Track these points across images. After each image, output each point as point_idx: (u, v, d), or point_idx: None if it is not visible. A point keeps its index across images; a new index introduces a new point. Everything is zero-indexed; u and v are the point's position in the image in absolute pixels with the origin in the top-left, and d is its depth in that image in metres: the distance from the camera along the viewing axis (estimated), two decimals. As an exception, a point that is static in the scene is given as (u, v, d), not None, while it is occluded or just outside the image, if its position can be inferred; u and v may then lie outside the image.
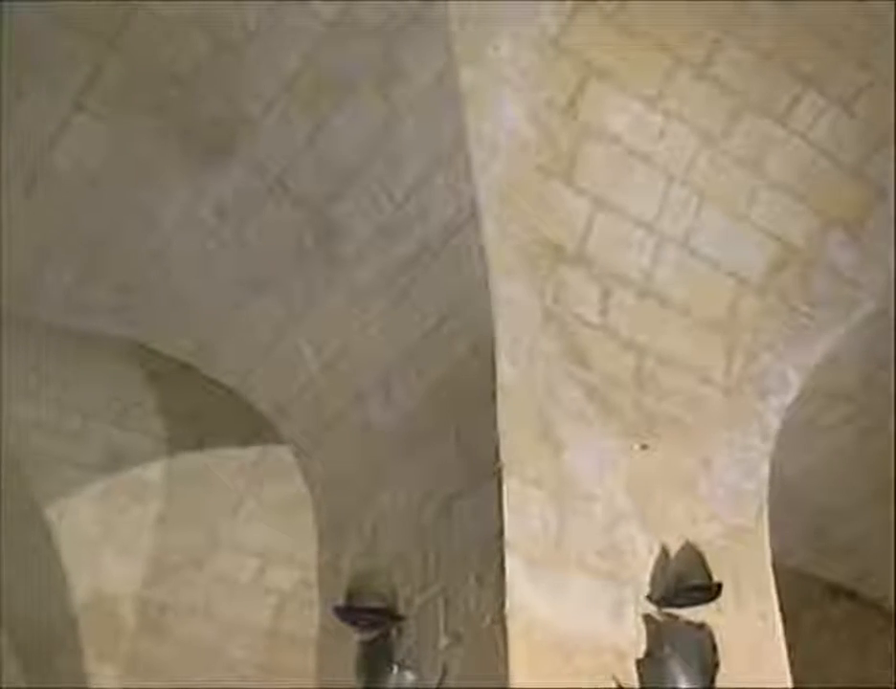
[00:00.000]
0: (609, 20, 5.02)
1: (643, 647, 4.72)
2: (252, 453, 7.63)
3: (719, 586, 4.82)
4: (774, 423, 5.76)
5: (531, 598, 4.56)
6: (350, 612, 5.02)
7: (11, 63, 5.34)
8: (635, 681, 4.63)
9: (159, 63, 5.28)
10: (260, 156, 5.45)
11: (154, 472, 7.68)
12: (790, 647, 5.24)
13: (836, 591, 9.38)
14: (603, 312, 5.29)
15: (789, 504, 7.12)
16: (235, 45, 5.15)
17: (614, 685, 4.57)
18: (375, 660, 4.98)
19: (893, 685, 8.69)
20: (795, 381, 5.85)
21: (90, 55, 5.28)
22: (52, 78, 5.39)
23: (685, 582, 4.81)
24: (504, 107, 5.01)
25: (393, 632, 4.97)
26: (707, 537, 5.15)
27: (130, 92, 5.40)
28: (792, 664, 5.19)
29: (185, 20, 5.11)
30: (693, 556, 4.89)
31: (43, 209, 5.96)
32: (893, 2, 5.23)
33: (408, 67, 4.97)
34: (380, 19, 4.92)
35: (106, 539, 7.71)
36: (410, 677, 4.87)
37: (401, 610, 5.01)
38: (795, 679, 5.18)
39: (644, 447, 5.21)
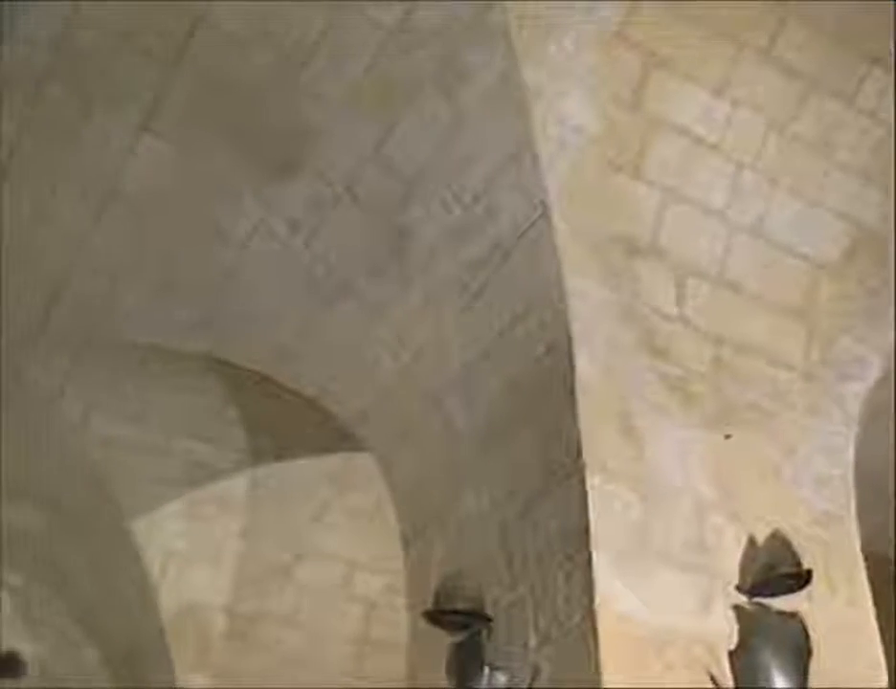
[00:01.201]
0: (669, 10, 5.00)
1: (735, 638, 4.69)
2: (333, 461, 7.66)
3: (809, 573, 4.77)
4: (857, 407, 5.70)
5: (619, 593, 4.55)
6: (439, 616, 5.02)
7: (77, 87, 5.41)
8: (727, 673, 4.60)
9: (223, 79, 5.32)
10: (329, 165, 5.48)
11: (238, 484, 7.74)
12: (882, 633, 5.19)
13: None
14: (679, 303, 5.26)
15: (877, 489, 7.03)
16: (299, 56, 5.18)
17: (706, 678, 4.55)
18: (466, 662, 4.98)
19: None
20: (876, 363, 5.78)
21: (155, 75, 5.34)
22: (118, 101, 5.46)
23: (775, 571, 4.76)
24: (569, 103, 5.00)
25: (483, 633, 4.97)
26: (794, 525, 5.09)
27: (196, 110, 5.45)
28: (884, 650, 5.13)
29: (247, 35, 5.15)
30: (782, 544, 4.84)
31: (115, 230, 6.04)
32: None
33: (471, 69, 4.97)
34: (441, 23, 4.92)
35: (193, 552, 7.78)
36: (501, 677, 4.86)
37: (489, 611, 5.00)
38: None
39: (728, 437, 5.17)
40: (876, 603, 5.27)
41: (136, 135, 5.58)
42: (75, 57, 5.30)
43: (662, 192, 5.25)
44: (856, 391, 5.71)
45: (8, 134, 5.64)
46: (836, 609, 5.04)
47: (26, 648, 9.34)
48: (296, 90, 5.29)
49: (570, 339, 4.90)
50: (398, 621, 6.23)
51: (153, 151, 5.63)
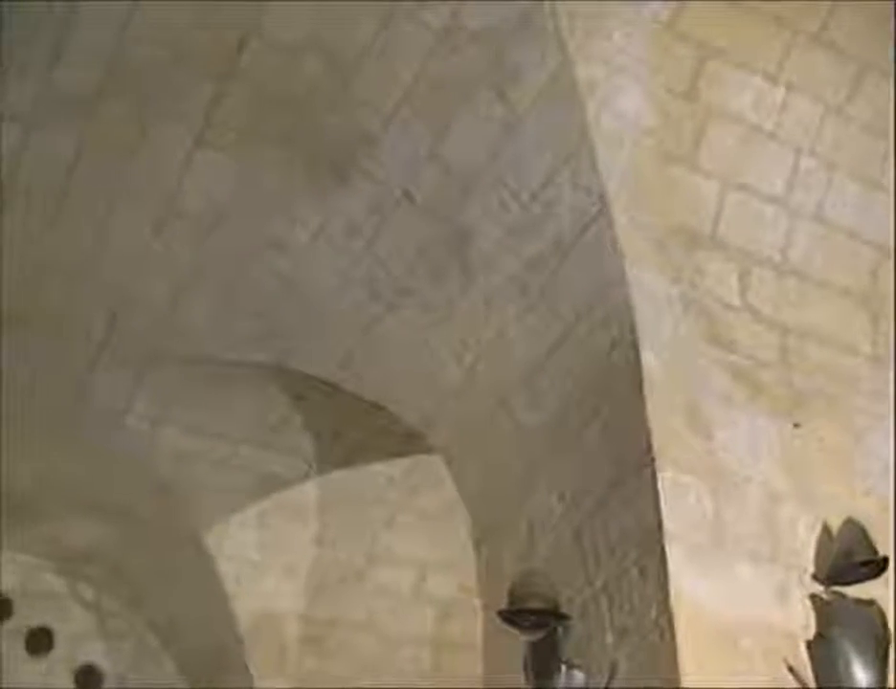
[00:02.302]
0: (719, -1, 4.99)
1: (812, 628, 4.65)
2: (402, 464, 7.69)
3: (885, 560, 4.71)
4: (924, 392, 5.64)
5: (695, 587, 4.52)
6: (514, 615, 5.01)
7: (132, 105, 5.47)
8: (806, 664, 4.56)
9: (276, 89, 5.36)
10: (385, 170, 5.50)
11: (307, 491, 7.78)
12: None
13: None
14: (742, 292, 5.22)
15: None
16: (349, 63, 5.20)
17: (785, 670, 4.52)
18: (543, 661, 4.98)
19: None
20: (943, 346, 5.72)
21: (209, 89, 5.38)
22: (173, 116, 5.51)
23: (851, 558, 4.72)
24: (623, 97, 4.98)
25: (559, 631, 4.96)
26: (865, 512, 5.04)
27: (251, 121, 5.49)
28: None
29: (297, 44, 5.18)
30: (856, 531, 4.79)
31: (175, 244, 6.09)
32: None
33: (523, 68, 4.97)
34: (490, 23, 4.92)
35: (266, 560, 7.83)
36: (579, 675, 4.85)
37: (565, 608, 4.99)
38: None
39: (797, 425, 5.13)
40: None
41: (192, 149, 5.63)
42: (129, 75, 5.34)
43: (721, 182, 5.22)
44: (923, 375, 5.65)
45: (66, 154, 5.70)
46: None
47: (103, 661, 9.44)
48: (348, 96, 5.32)
49: (634, 333, 4.88)
50: (473, 622, 6.24)
51: (210, 164, 5.68)
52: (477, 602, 6.03)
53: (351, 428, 7.44)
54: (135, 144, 5.64)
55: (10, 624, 9.29)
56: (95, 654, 9.46)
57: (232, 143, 5.58)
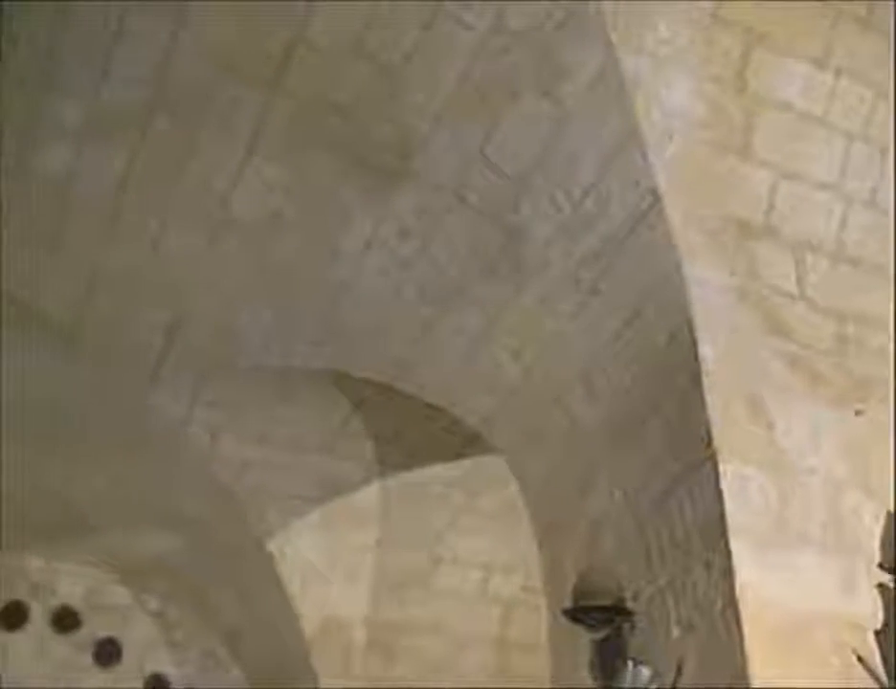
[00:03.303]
0: (764, -14, 4.96)
1: (880, 617, 4.62)
2: (463, 465, 7.69)
3: (954, 546, 4.69)
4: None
5: (760, 579, 4.51)
6: (579, 613, 5.02)
7: (180, 119, 5.50)
8: (875, 654, 4.53)
9: (323, 97, 5.37)
10: (435, 172, 5.51)
11: (369, 495, 7.79)
12: None
13: None
14: (798, 281, 5.19)
15: None
16: (395, 67, 5.21)
17: (854, 661, 4.48)
18: (609, 658, 4.98)
19: None
20: None
21: (256, 99, 5.40)
22: (222, 128, 5.52)
23: (917, 545, 4.69)
24: (671, 89, 4.96)
25: (624, 628, 4.96)
26: (929, 498, 5.01)
27: (299, 129, 5.51)
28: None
29: (342, 50, 5.18)
30: (922, 518, 4.77)
31: (229, 255, 6.12)
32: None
33: (569, 65, 4.96)
34: (534, 22, 4.92)
35: (330, 566, 7.85)
36: (645, 671, 4.85)
37: (629, 605, 4.99)
38: None
39: (858, 413, 5.09)
40: None
41: (243, 159, 5.65)
42: (177, 89, 5.38)
43: (773, 170, 5.19)
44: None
45: (117, 172, 5.74)
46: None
47: (170, 670, 9.50)
48: (395, 100, 5.32)
49: (691, 326, 4.86)
50: (538, 621, 6.25)
51: (261, 174, 5.70)
52: (541, 601, 6.02)
53: (411, 430, 7.45)
54: (185, 157, 5.67)
55: (78, 636, 9.37)
56: (162, 663, 9.53)
57: (282, 151, 5.60)
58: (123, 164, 5.70)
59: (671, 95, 4.96)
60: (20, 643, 9.24)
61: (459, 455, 7.62)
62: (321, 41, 5.15)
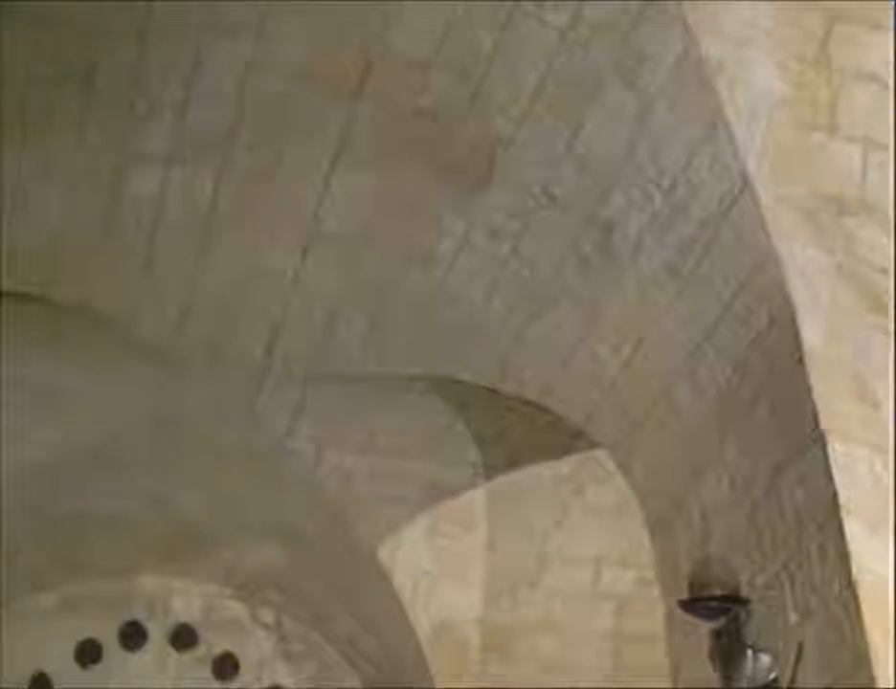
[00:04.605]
0: (842, -40, 4.89)
1: None
2: (568, 463, 7.67)
3: None
4: None
5: (876, 558, 4.43)
6: (695, 604, 4.99)
7: (265, 134, 5.56)
8: None
9: (406, 103, 5.40)
10: (523, 171, 5.52)
11: (475, 497, 7.80)
12: None
13: None
14: (896, 255, 5.12)
15: None
16: (476, 70, 5.22)
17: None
18: (728, 647, 4.94)
19: None
20: None
21: (340, 109, 5.44)
22: (307, 140, 5.58)
23: None
24: (754, 71, 4.91)
25: (741, 616, 4.92)
26: None
27: (384, 137, 5.54)
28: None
29: (423, 56, 5.21)
30: None
31: (323, 266, 6.17)
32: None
33: (649, 53, 4.93)
34: (612, 13, 4.90)
35: (441, 570, 7.86)
36: (765, 659, 4.80)
37: (745, 592, 4.95)
38: None
39: (963, 387, 5.00)
40: None
41: (329, 171, 5.70)
42: (259, 106, 5.44)
43: (861, 144, 5.10)
44: None
45: (206, 189, 5.82)
46: None
47: (288, 682, 9.59)
48: (479, 103, 5.33)
49: (791, 308, 4.80)
50: (652, 613, 6.20)
51: (349, 183, 5.74)
52: (655, 593, 5.99)
53: (514, 431, 7.46)
54: (272, 172, 5.73)
55: (195, 652, 9.50)
56: (279, 675, 9.62)
57: (368, 161, 5.64)
58: (212, 182, 5.78)
59: (754, 76, 4.90)
60: (140, 662, 9.39)
61: (563, 453, 7.61)
62: (399, 47, 5.18)
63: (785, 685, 4.67)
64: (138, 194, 5.79)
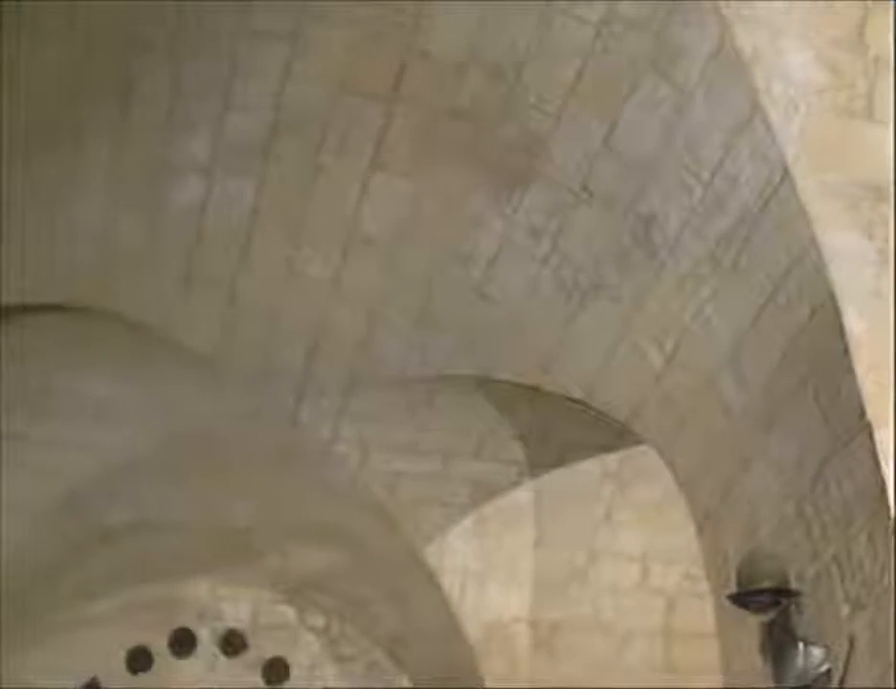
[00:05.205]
0: (879, -55, 4.86)
1: None
2: (613, 459, 7.66)
3: None
4: None
5: (926, 549, 4.39)
6: (745, 597, 4.95)
7: (303, 141, 5.59)
8: None
9: (442, 105, 5.41)
10: (561, 168, 5.51)
11: (522, 496, 7.81)
12: None
13: None
14: (937, 241, 5.07)
15: None
16: (512, 69, 5.23)
17: None
18: (779, 640, 4.90)
19: None
20: None
21: (376, 114, 5.47)
22: (344, 146, 5.61)
23: None
24: (789, 59, 4.87)
25: (792, 608, 4.88)
26: None
27: (421, 139, 5.56)
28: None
29: (457, 58, 5.22)
30: None
31: (364, 270, 6.20)
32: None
33: (684, 45, 4.91)
34: (646, 7, 4.88)
35: (488, 569, 7.88)
36: (817, 651, 4.76)
37: (795, 584, 4.91)
38: None
39: None
40: None
41: (368, 175, 5.72)
42: (297, 114, 5.48)
43: (899, 130, 5.07)
44: None
45: (247, 197, 5.86)
46: None
47: (338, 684, 9.63)
48: (515, 102, 5.34)
49: (833, 297, 4.75)
50: (702, 609, 6.19)
51: (387, 187, 5.76)
52: (704, 588, 5.96)
53: (559, 428, 7.46)
54: (311, 178, 5.77)
55: (246, 657, 9.57)
56: (329, 678, 9.67)
57: (405, 163, 5.66)
58: (252, 190, 5.82)
59: (790, 64, 4.86)
60: (191, 668, 9.46)
61: (608, 449, 7.60)
62: (433, 50, 5.19)
63: (837, 678, 4.64)
64: (178, 205, 5.83)
